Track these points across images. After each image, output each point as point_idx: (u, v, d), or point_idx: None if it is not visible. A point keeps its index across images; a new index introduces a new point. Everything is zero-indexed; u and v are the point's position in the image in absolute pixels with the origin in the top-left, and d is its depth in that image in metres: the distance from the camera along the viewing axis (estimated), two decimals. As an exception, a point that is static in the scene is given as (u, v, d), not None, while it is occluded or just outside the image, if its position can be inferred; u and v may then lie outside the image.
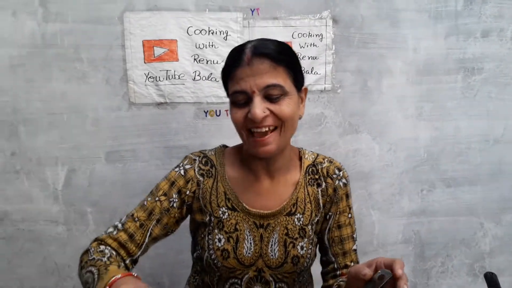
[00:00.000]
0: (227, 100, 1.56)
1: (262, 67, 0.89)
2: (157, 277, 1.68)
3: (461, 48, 1.67)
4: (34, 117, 1.53)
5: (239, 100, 0.92)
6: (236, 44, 1.53)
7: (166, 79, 1.55)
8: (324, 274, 1.10)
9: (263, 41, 0.93)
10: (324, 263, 1.10)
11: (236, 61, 0.92)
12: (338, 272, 1.05)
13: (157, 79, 1.55)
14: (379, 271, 0.74)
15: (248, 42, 0.94)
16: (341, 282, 1.01)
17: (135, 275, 0.81)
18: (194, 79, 1.57)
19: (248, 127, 0.92)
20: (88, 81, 1.54)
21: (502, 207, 1.80)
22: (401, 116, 1.70)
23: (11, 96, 1.51)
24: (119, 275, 0.77)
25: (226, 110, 1.60)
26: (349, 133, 1.68)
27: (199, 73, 1.56)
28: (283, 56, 0.91)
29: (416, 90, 1.68)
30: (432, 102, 1.70)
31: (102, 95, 1.55)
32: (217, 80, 1.57)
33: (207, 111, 1.60)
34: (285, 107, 0.91)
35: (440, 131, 1.72)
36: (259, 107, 0.88)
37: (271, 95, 0.90)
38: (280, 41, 0.95)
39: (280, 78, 0.90)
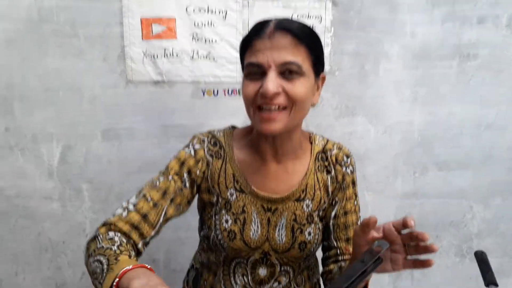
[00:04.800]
0: (225, 80, 1.61)
1: (283, 41, 0.85)
2: (152, 254, 1.69)
3: (457, 34, 1.68)
4: (29, 93, 1.52)
5: (253, 72, 0.88)
6: (235, 23, 1.56)
7: (164, 57, 1.54)
8: (324, 260, 1.09)
9: (289, 19, 0.92)
10: (325, 248, 1.09)
11: (257, 32, 0.88)
12: (340, 258, 1.04)
13: (155, 56, 1.54)
14: (376, 242, 0.75)
15: (275, 18, 0.91)
16: (343, 263, 1.02)
17: (148, 267, 0.73)
18: (192, 58, 1.56)
19: (257, 103, 0.88)
20: (85, 58, 1.52)
21: (491, 190, 1.84)
22: (396, 99, 1.71)
23: (6, 72, 1.49)
24: (130, 266, 0.70)
25: (224, 90, 1.60)
26: (345, 116, 1.70)
27: (197, 52, 1.55)
28: (306, 35, 0.88)
29: (412, 75, 1.70)
30: (427, 87, 1.71)
31: (99, 72, 1.53)
32: (215, 59, 1.56)
33: (205, 90, 1.60)
34: (299, 87, 0.87)
35: (434, 115, 1.74)
36: (273, 82, 0.84)
37: (287, 72, 0.86)
38: (306, 23, 0.92)
39: (299, 57, 0.86)
